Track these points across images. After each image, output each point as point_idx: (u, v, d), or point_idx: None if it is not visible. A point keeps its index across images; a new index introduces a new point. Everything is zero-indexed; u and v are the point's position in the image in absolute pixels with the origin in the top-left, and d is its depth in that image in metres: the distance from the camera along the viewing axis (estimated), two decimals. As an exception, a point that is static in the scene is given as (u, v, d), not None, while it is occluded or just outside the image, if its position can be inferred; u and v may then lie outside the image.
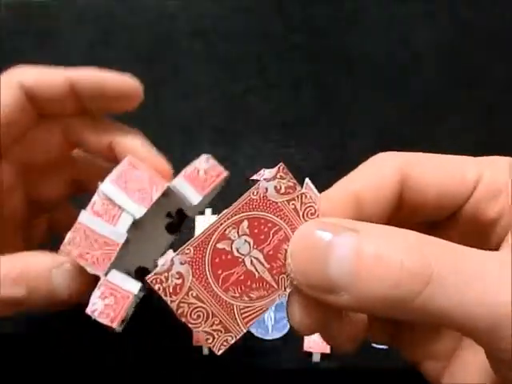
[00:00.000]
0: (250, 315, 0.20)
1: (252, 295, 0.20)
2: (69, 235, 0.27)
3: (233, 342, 0.20)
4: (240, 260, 0.20)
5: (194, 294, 0.20)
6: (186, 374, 0.42)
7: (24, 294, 0.26)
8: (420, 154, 0.23)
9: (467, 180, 0.22)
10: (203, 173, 0.29)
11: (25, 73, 0.31)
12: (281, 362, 0.42)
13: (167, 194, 0.29)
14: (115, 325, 0.26)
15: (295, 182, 0.20)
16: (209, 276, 0.19)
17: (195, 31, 0.55)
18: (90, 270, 0.27)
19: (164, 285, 0.19)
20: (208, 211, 0.43)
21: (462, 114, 0.51)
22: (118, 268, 0.28)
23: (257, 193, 0.19)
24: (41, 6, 0.56)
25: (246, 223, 0.19)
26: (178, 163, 0.51)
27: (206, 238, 0.19)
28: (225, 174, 0.30)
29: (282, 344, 0.43)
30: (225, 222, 0.19)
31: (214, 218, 0.20)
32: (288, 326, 0.43)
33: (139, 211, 0.27)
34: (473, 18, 0.55)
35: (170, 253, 0.20)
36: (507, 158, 0.23)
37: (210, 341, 0.20)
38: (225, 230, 0.19)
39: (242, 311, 0.20)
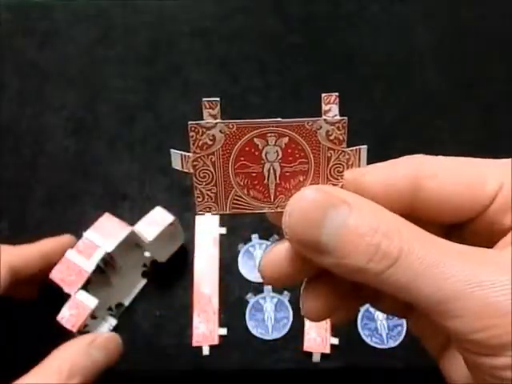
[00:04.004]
0: (238, 205, 0.22)
1: (251, 192, 0.22)
2: (57, 266, 0.40)
3: (213, 212, 0.23)
4: (262, 161, 0.22)
5: (213, 160, 0.22)
6: (187, 374, 0.43)
7: None
8: (438, 160, 0.22)
9: (487, 190, 0.21)
10: (155, 220, 0.41)
11: (10, 253, 0.38)
12: (281, 362, 0.42)
13: (140, 246, 0.43)
14: (75, 329, 0.38)
15: (345, 138, 0.22)
16: (232, 155, 0.22)
17: (195, 31, 0.55)
18: (66, 289, 0.39)
19: (197, 136, 0.22)
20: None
21: (462, 114, 0.51)
22: (103, 302, 0.41)
23: (311, 125, 0.21)
24: (41, 6, 0.56)
25: (286, 139, 0.21)
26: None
27: (250, 127, 0.21)
28: (171, 220, 0.41)
29: (281, 344, 0.43)
30: (272, 126, 0.21)
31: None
32: (288, 326, 0.43)
33: (110, 247, 0.41)
34: (473, 18, 0.55)
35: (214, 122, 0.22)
36: None
37: (199, 199, 0.22)
38: (267, 132, 0.21)
39: (235, 197, 0.22)
